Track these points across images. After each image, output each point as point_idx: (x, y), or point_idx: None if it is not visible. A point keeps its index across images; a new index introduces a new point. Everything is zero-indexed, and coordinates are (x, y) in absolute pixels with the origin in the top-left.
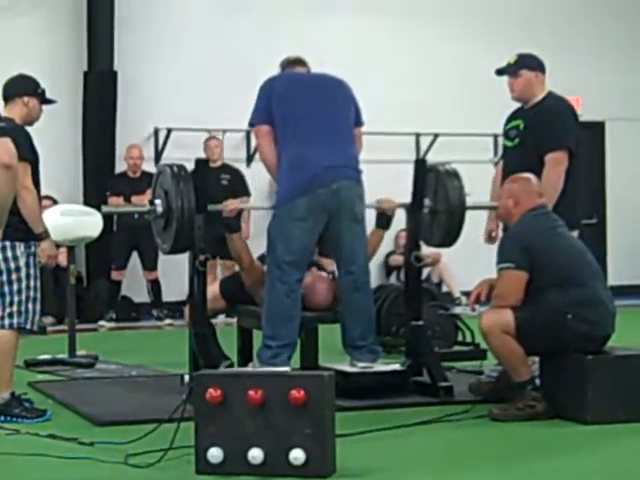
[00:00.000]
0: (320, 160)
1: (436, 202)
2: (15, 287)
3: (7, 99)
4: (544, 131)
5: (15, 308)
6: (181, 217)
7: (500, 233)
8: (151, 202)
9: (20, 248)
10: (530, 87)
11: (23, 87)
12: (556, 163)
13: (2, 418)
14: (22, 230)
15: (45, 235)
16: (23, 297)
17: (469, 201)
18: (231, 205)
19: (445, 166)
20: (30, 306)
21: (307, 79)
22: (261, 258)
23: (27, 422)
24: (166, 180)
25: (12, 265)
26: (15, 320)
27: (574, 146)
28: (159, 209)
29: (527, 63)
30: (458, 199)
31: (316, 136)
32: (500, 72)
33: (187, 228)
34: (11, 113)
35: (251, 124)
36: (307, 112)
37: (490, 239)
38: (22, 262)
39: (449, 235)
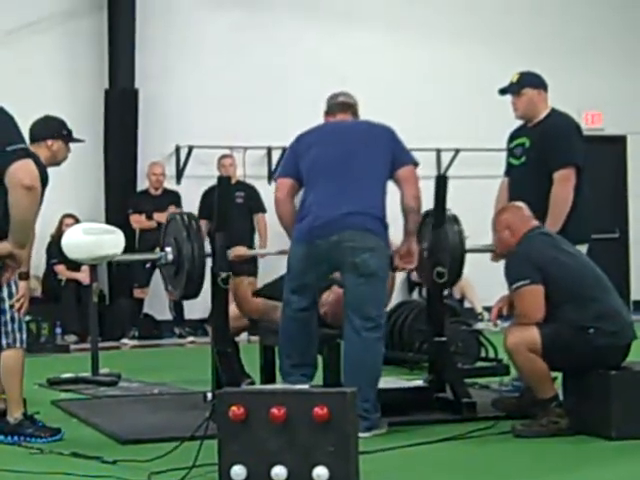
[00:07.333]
0: (325, 210)
1: None
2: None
3: (32, 142)
4: (551, 149)
5: (9, 327)
6: (192, 263)
7: None
8: (161, 249)
9: None
10: (533, 105)
11: (47, 130)
12: (565, 180)
13: (15, 438)
14: None
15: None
16: (11, 316)
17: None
18: (237, 252)
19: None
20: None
21: (334, 129)
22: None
23: (40, 441)
24: (177, 228)
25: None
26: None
27: (581, 162)
28: (170, 256)
29: (529, 81)
30: (458, 243)
31: (329, 185)
32: (503, 91)
33: (198, 275)
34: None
35: (274, 179)
36: (324, 161)
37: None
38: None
39: (450, 277)
